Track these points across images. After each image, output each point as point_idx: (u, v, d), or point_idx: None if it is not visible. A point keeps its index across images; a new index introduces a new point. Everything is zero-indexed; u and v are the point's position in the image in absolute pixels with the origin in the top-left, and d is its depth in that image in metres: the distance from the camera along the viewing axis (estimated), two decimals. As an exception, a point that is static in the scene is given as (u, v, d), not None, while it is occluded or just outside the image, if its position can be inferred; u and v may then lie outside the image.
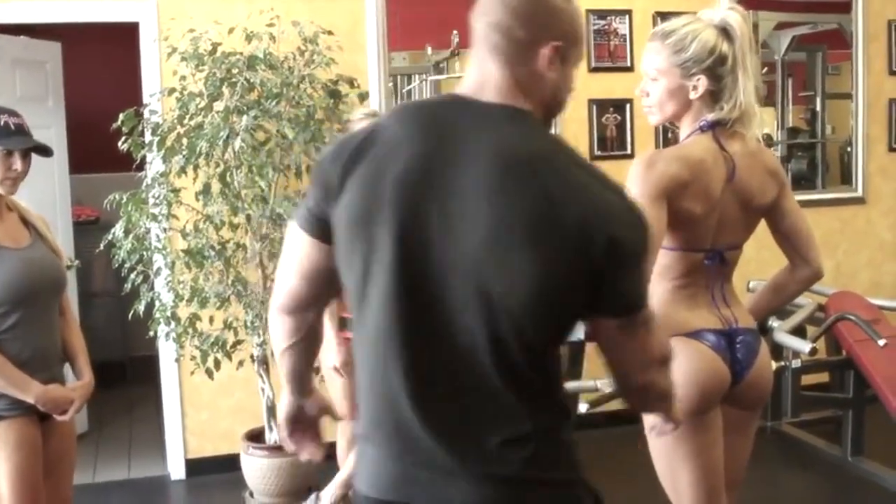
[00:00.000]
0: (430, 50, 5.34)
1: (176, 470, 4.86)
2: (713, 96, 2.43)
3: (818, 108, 6.04)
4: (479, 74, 1.64)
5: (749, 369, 2.50)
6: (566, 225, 1.53)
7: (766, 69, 5.73)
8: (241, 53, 4.28)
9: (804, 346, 3.78)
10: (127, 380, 6.38)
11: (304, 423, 1.93)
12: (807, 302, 4.35)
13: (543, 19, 1.62)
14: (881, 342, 3.97)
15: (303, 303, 1.78)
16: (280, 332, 1.82)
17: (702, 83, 2.41)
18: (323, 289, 1.76)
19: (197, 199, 4.29)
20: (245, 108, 4.15)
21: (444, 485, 1.61)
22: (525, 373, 1.60)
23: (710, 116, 2.43)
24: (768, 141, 5.59)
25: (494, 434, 1.59)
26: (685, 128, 2.47)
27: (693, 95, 2.43)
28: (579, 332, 4.05)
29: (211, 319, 4.34)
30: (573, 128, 5.21)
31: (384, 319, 1.59)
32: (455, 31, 5.21)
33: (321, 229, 1.67)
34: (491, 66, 1.62)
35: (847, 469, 4.60)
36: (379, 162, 1.59)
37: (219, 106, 4.20)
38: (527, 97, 1.63)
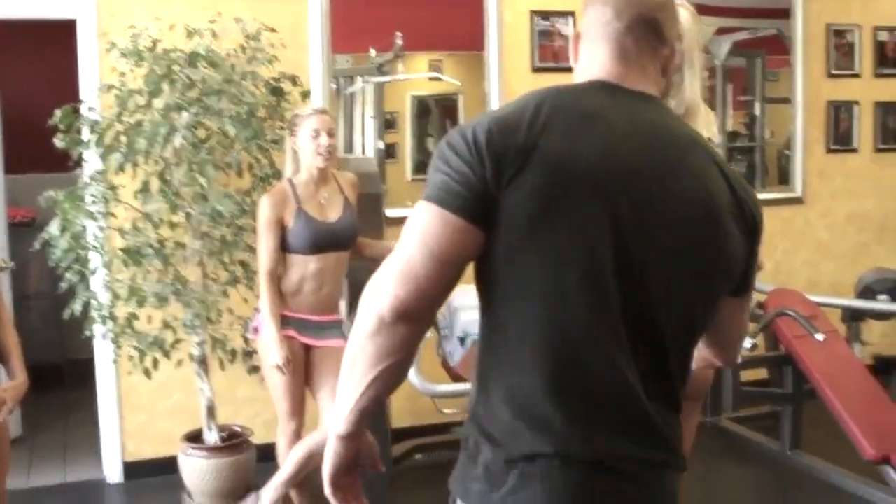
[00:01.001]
0: (373, 52, 5.35)
1: (112, 473, 4.80)
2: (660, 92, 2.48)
3: (757, 112, 6.19)
4: (620, 63, 1.66)
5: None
6: (745, 209, 1.65)
7: (706, 74, 5.82)
8: (183, 50, 4.25)
9: (746, 342, 3.85)
10: (64, 383, 6.26)
11: (350, 472, 1.65)
12: (746, 299, 4.43)
13: (675, 24, 1.73)
14: (819, 337, 4.05)
15: (431, 303, 1.52)
16: (384, 347, 1.50)
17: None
18: (453, 286, 1.54)
19: (135, 198, 4.24)
20: (186, 104, 4.12)
21: (651, 478, 1.58)
22: (688, 353, 1.66)
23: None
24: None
25: (674, 414, 1.63)
26: None
27: (642, 90, 2.47)
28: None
29: (149, 319, 4.31)
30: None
31: (593, 306, 1.51)
32: (398, 34, 5.23)
33: (484, 212, 1.50)
34: (634, 57, 1.66)
35: (785, 462, 4.68)
36: (564, 144, 1.52)
37: (159, 104, 4.17)
38: (656, 90, 1.70)
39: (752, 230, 1.67)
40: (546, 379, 1.51)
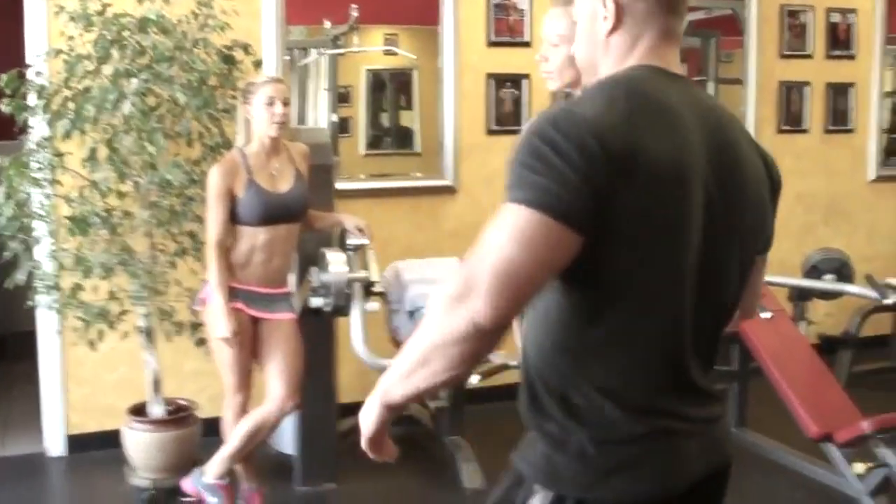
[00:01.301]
0: (328, 24, 5.30)
1: (55, 446, 4.75)
2: None
3: (711, 92, 6.19)
4: (666, 46, 1.64)
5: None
6: (772, 174, 1.75)
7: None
8: (133, 15, 4.16)
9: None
10: (6, 356, 6.17)
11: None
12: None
13: None
14: (766, 315, 4.08)
15: (523, 310, 1.55)
16: (470, 353, 1.48)
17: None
18: None
19: (83, 166, 4.16)
20: (135, 71, 4.05)
21: (711, 431, 1.72)
22: (729, 321, 1.78)
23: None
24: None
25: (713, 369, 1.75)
26: None
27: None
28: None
29: (95, 289, 4.25)
30: (470, 102, 5.24)
31: (685, 298, 1.58)
32: (353, 6, 5.18)
33: (587, 216, 1.45)
34: (674, 38, 1.65)
35: (731, 440, 4.71)
36: (657, 142, 1.50)
37: (108, 70, 4.09)
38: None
39: (775, 192, 1.78)
40: (643, 369, 1.58)
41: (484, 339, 1.45)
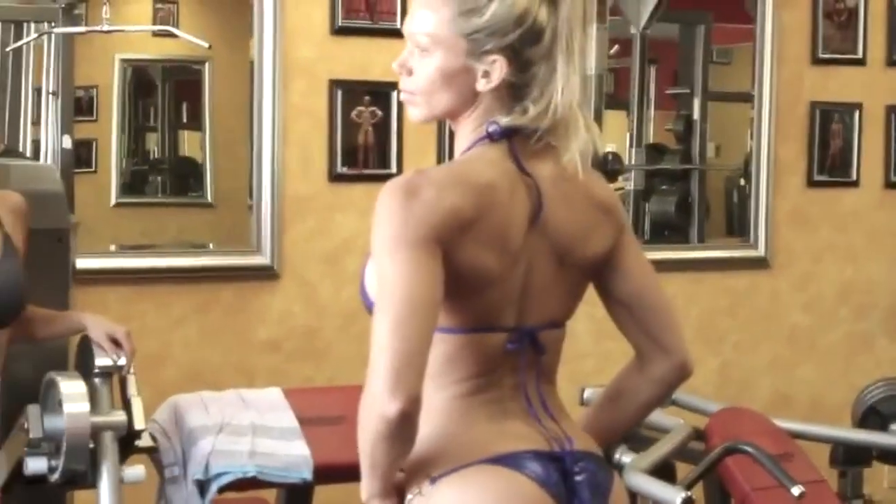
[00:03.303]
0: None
1: None
2: (513, 91, 2.45)
3: (696, 114, 6.33)
4: None
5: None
6: None
7: (615, 48, 5.95)
8: None
9: (674, 496, 3.86)
10: None
11: None
12: (676, 423, 4.46)
13: None
14: (796, 491, 4.10)
15: None
16: None
17: (498, 68, 2.42)
18: None
19: None
20: None
21: None
22: None
23: (505, 120, 2.46)
24: (614, 165, 5.76)
25: None
26: (465, 134, 2.52)
27: (483, 86, 2.44)
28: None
29: None
30: (302, 125, 5.24)
31: None
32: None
33: None
34: None
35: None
36: None
37: None
38: None
39: None
40: None
41: None
